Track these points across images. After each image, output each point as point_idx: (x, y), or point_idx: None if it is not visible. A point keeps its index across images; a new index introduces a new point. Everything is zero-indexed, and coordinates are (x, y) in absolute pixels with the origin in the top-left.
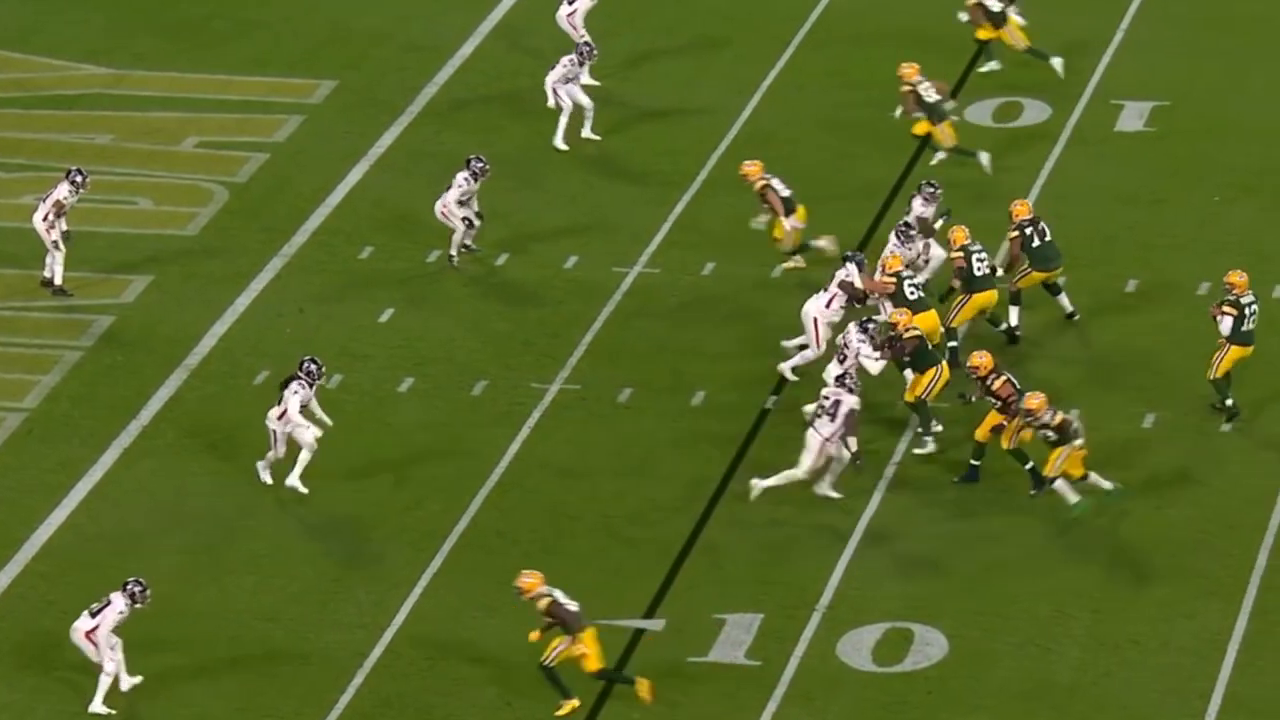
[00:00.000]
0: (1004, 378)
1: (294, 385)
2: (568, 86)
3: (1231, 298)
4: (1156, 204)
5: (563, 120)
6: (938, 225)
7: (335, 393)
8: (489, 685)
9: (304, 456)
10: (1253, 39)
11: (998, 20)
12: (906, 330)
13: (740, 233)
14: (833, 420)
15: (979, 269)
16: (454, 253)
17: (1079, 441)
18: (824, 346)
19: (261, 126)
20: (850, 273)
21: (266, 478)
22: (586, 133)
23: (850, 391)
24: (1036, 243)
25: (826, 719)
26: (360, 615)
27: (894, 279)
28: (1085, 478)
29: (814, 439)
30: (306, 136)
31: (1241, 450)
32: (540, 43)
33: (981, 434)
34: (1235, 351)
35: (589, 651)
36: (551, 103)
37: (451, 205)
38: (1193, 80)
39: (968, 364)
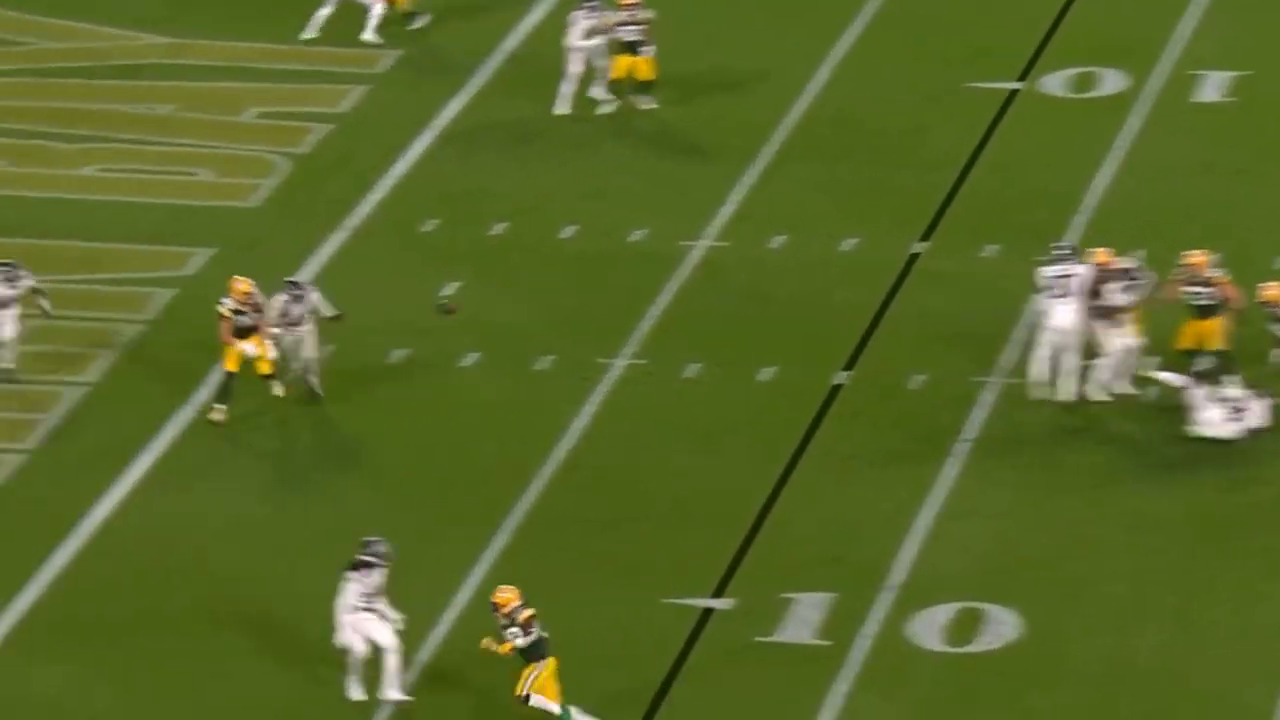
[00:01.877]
0: None
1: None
2: (592, 44)
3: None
4: (1237, 174)
5: (566, 87)
6: None
7: (400, 366)
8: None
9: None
10: None
11: None
12: None
13: (810, 208)
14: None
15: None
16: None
17: None
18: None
19: (325, 96)
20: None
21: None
22: (597, 93)
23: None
24: None
25: (896, 700)
26: (422, 596)
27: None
28: None
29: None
30: (371, 107)
31: None
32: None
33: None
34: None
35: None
36: (576, 68)
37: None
38: (1275, 50)
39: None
